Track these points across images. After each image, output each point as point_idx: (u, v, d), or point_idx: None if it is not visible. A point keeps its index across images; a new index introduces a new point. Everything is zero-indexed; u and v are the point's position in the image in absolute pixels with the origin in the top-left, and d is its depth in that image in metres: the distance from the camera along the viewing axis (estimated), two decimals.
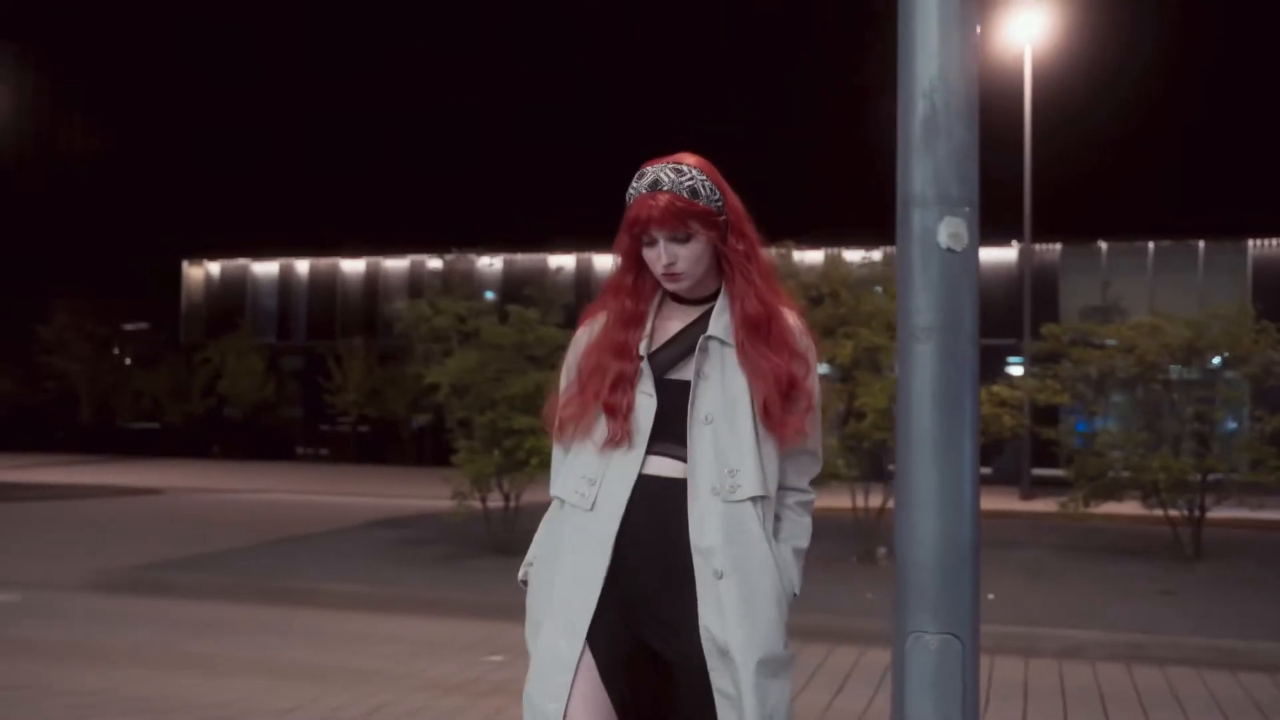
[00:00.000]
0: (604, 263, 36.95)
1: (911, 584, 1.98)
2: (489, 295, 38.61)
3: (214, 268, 40.96)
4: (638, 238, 2.21)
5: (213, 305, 39.90)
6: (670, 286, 2.23)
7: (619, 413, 2.18)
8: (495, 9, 37.31)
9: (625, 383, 2.20)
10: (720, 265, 2.24)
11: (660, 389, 2.20)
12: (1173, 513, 10.99)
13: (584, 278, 34.46)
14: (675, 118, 32.42)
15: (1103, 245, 31.40)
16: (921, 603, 1.97)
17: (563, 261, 36.12)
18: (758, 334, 2.20)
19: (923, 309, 1.98)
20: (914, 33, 2.01)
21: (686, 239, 2.17)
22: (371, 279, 38.89)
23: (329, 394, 30.95)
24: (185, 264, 40.89)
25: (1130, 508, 11.60)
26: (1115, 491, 11.11)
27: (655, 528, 2.15)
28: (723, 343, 2.20)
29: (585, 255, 36.07)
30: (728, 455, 2.15)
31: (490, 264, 31.49)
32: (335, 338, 35.99)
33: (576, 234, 33.13)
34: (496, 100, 36.08)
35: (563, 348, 8.66)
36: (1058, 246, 30.45)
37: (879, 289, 10.34)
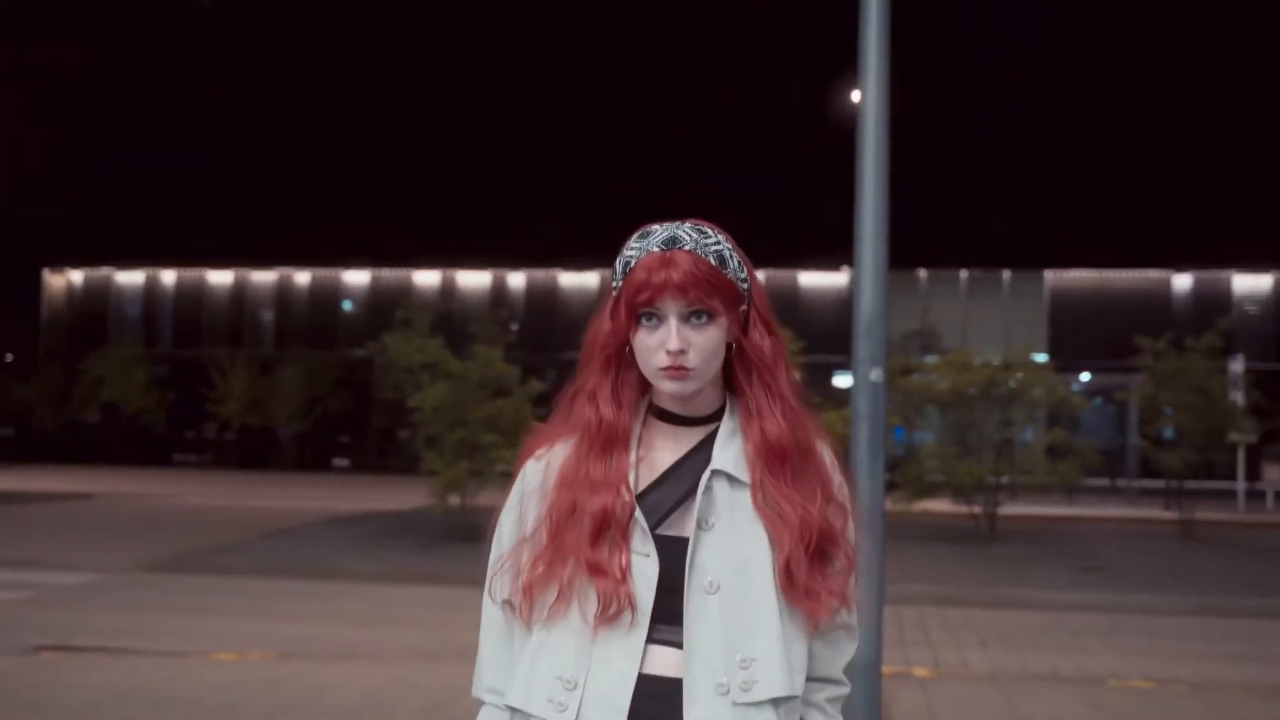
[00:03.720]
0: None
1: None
2: (346, 305, 40.68)
3: (76, 276, 41.59)
4: (637, 314, 1.58)
5: (75, 313, 40.58)
6: (669, 387, 1.59)
7: (611, 573, 1.55)
8: (495, 9, 37.17)
9: (613, 528, 1.57)
10: (732, 372, 1.64)
11: (657, 547, 1.58)
12: (975, 508, 14.32)
13: (449, 293, 36.81)
14: (675, 118, 34.19)
15: (922, 273, 35.35)
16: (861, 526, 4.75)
17: (428, 277, 38.35)
18: (782, 468, 1.60)
19: (863, 406, 4.76)
20: (863, 287, 4.78)
21: (705, 322, 1.57)
22: (239, 290, 40.25)
23: (212, 403, 32.40)
24: (46, 272, 41.42)
25: (942, 504, 14.87)
26: (932, 491, 14.43)
27: None
28: (733, 480, 1.60)
29: (450, 272, 38.30)
30: (740, 638, 1.55)
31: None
32: (201, 346, 37.34)
33: (442, 249, 35.34)
34: (498, 100, 36.46)
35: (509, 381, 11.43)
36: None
37: None
